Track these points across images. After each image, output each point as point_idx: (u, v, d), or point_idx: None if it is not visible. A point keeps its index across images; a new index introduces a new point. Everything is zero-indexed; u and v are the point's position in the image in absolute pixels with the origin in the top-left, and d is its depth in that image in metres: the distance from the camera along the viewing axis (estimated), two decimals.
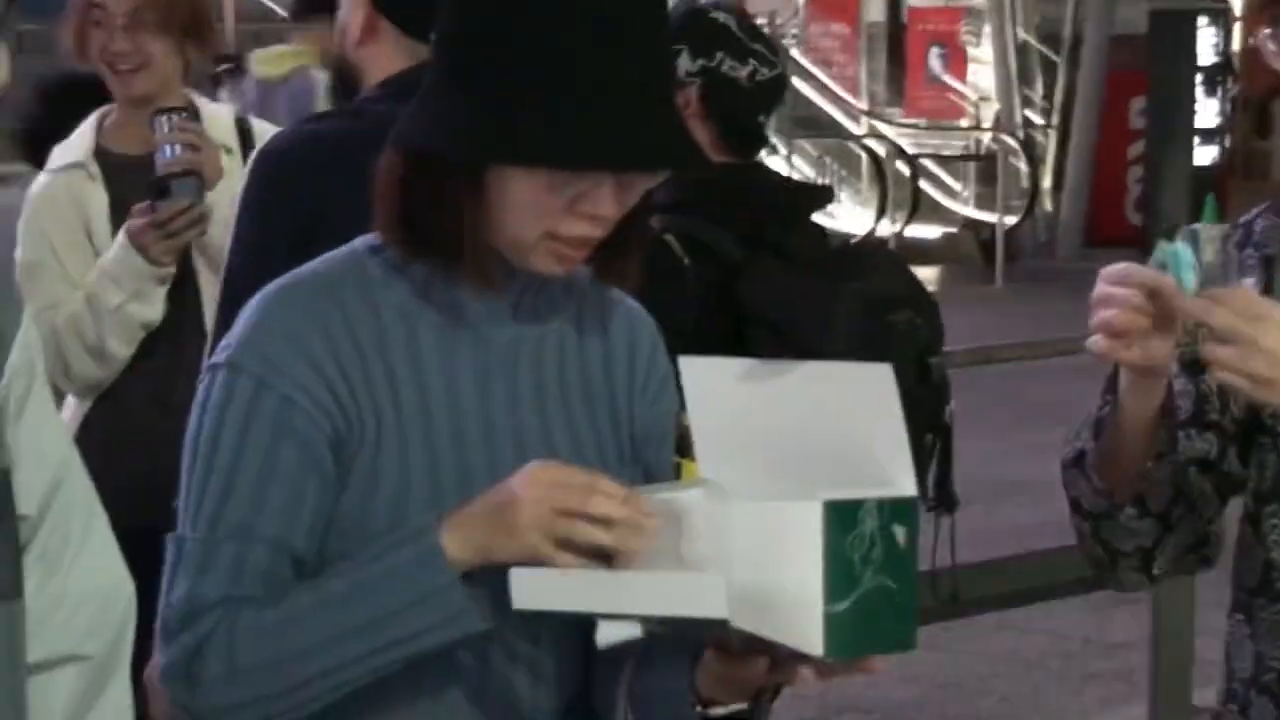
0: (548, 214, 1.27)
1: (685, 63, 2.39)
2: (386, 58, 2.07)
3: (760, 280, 2.31)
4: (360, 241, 1.36)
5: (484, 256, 1.30)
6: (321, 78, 5.68)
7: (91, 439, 2.28)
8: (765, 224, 2.44)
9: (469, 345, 1.35)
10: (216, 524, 1.31)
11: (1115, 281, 1.33)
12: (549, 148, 1.26)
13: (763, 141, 2.57)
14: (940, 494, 2.64)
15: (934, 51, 13.19)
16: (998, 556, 4.01)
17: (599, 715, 1.42)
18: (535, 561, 1.23)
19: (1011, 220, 12.07)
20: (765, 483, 1.28)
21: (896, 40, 13.66)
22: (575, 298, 1.41)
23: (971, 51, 13.07)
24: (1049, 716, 4.68)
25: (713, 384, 1.33)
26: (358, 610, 1.27)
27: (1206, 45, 11.99)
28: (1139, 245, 10.72)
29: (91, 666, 1.25)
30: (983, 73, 12.94)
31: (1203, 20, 11.92)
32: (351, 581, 1.27)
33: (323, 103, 5.26)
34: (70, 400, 2.64)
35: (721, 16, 2.55)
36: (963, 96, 13.13)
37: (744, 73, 2.44)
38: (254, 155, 2.28)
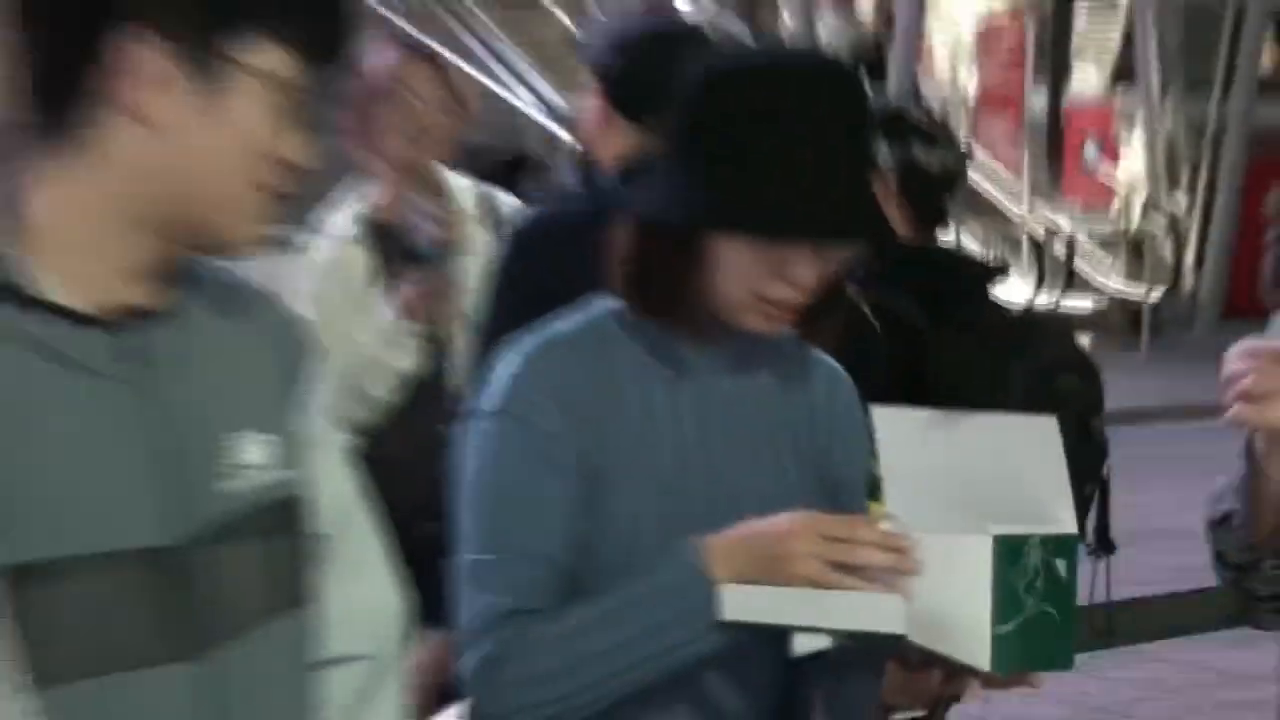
0: (756, 278, 1.38)
1: (884, 154, 2.57)
2: (617, 142, 2.25)
3: (943, 349, 2.46)
4: (598, 303, 1.48)
5: (703, 316, 1.41)
6: None
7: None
8: (949, 296, 2.61)
9: (691, 396, 1.47)
10: (502, 546, 1.43)
11: (1247, 356, 1.39)
12: (757, 218, 1.38)
13: (946, 222, 2.76)
14: (1099, 539, 2.82)
15: (1089, 143, 14.14)
16: (1147, 595, 4.18)
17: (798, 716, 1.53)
18: None
19: (1157, 295, 12.95)
20: (944, 518, 1.37)
21: (1056, 132, 14.52)
22: (783, 355, 1.51)
23: (1124, 143, 13.90)
24: None
25: (901, 432, 1.42)
26: (631, 625, 1.39)
27: None
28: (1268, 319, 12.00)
29: (372, 665, 1.34)
30: (1134, 161, 13.76)
31: None
32: (624, 599, 1.39)
33: None
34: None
35: (915, 115, 2.86)
36: (1114, 183, 13.99)
37: (934, 162, 2.68)
38: (510, 231, 2.47)
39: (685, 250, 1.40)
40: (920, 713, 1.59)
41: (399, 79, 2.88)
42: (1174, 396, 8.93)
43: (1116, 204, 14.05)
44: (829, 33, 13.93)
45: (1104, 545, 2.77)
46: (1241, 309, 12.56)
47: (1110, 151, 14.20)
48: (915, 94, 13.33)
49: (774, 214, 1.40)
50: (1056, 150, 14.63)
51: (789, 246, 1.37)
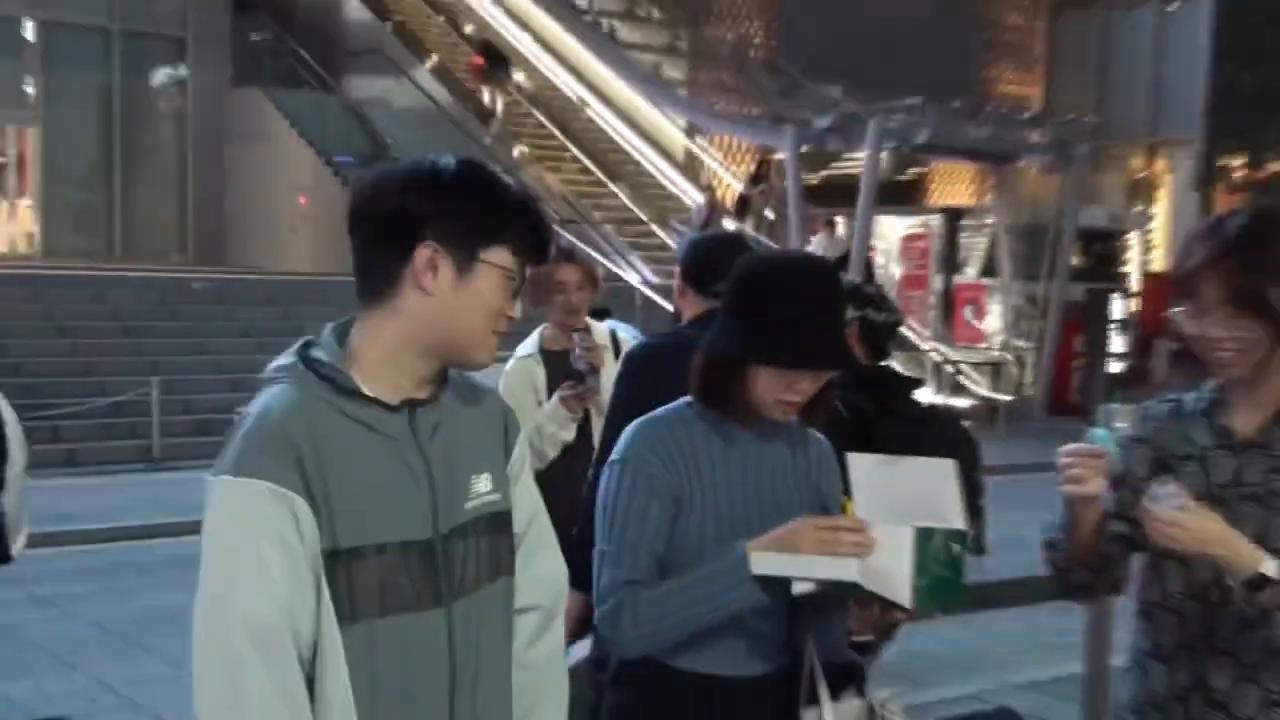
0: (778, 389, 2.03)
1: (851, 311, 3.33)
2: (691, 306, 3.00)
3: (885, 428, 3.07)
4: (681, 400, 2.12)
5: (746, 409, 2.05)
6: None
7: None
8: (888, 397, 3.42)
9: (739, 456, 2.09)
10: (621, 541, 2.02)
11: (1069, 454, 1.93)
12: (777, 355, 2.01)
13: (887, 354, 3.56)
14: (977, 544, 3.52)
15: (968, 308, 17.54)
16: (1005, 578, 4.44)
17: (798, 644, 2.08)
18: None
19: (1008, 398, 16.03)
20: (887, 518, 1.94)
21: (949, 302, 17.83)
22: (793, 432, 2.13)
23: (990, 307, 17.20)
24: (1001, 665, 5.99)
25: (864, 468, 2.02)
26: (700, 588, 1.98)
27: (1117, 307, 17.35)
28: (1076, 414, 14.11)
29: (543, 613, 1.85)
30: (995, 319, 17.04)
31: (1116, 295, 17.55)
32: (697, 576, 1.99)
33: None
34: None
35: (870, 288, 3.76)
36: (983, 332, 17.24)
37: (880, 319, 3.54)
38: (625, 353, 3.34)
39: (733, 371, 2.03)
40: (870, 637, 2.15)
41: (556, 274, 3.88)
42: (1018, 459, 10.29)
43: (984, 344, 17.10)
44: (819, 245, 16.15)
45: (980, 549, 3.44)
46: (1059, 409, 16.00)
47: (980, 314, 17.37)
48: (870, 278, 14.86)
49: (787, 353, 2.01)
50: (949, 313, 17.76)
51: (797, 372, 2.01)
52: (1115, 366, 17.08)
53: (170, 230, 17.96)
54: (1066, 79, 23.40)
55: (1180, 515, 1.88)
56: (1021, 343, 16.77)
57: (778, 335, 2.01)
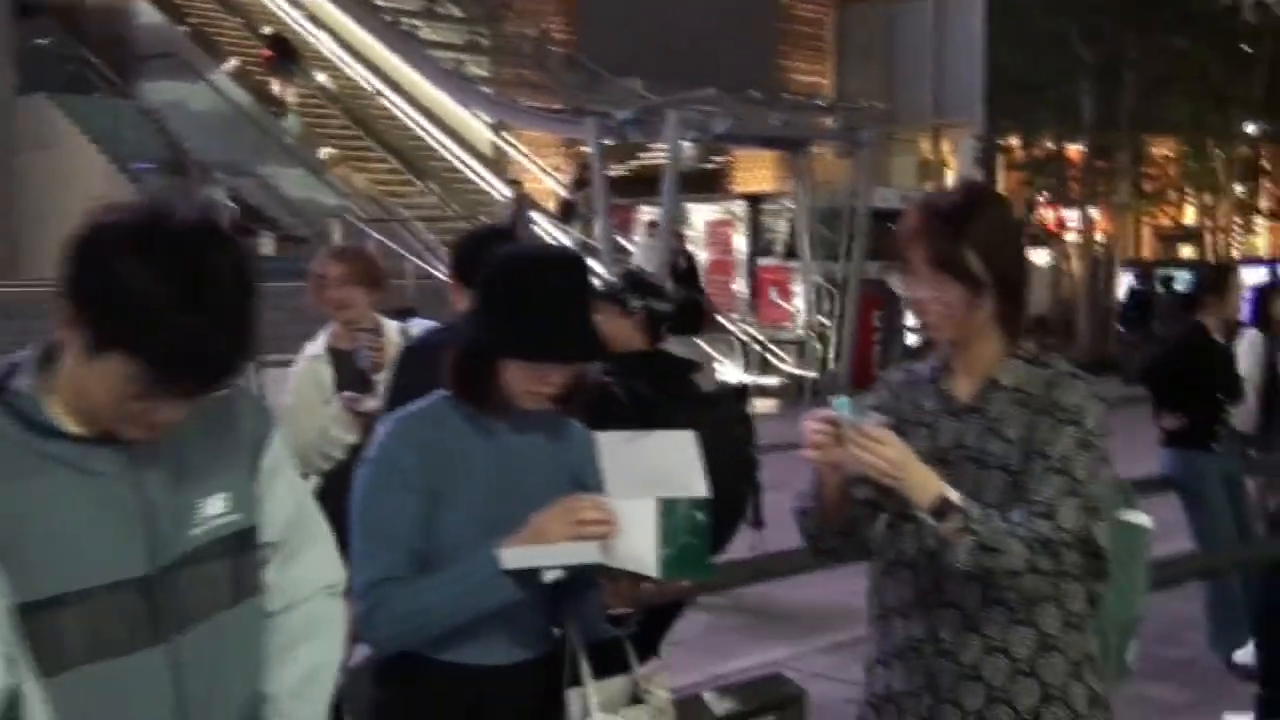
0: (529, 381, 2.06)
1: (635, 300, 3.61)
2: (462, 300, 3.03)
3: (665, 411, 3.11)
4: (437, 394, 2.13)
5: (498, 400, 2.07)
6: None
7: (325, 496, 2.91)
8: (667, 379, 3.49)
9: (495, 448, 2.11)
10: (375, 540, 2.04)
11: (816, 420, 1.99)
12: (525, 349, 2.03)
13: (664, 338, 3.67)
14: (755, 517, 4.25)
15: (773, 289, 18.03)
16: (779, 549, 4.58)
17: (560, 624, 2.14)
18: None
19: (813, 374, 16.27)
20: (634, 491, 1.99)
21: (757, 281, 18.40)
22: (550, 421, 2.16)
23: (794, 288, 17.50)
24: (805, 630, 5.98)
25: (610, 446, 2.09)
26: (453, 589, 1.99)
27: None
28: None
29: (306, 609, 1.78)
30: (799, 299, 17.28)
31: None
32: (450, 575, 2.00)
33: None
34: (313, 479, 3.67)
35: (651, 277, 4.03)
36: (788, 311, 17.59)
37: (663, 308, 3.69)
38: (401, 348, 3.48)
39: (485, 364, 2.06)
40: (628, 610, 2.13)
41: (319, 269, 4.03)
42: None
43: (790, 323, 17.52)
44: (643, 245, 16.58)
45: (758, 522, 3.90)
46: (862, 382, 14.08)
47: (785, 294, 17.81)
48: (689, 265, 16.70)
49: (533, 346, 2.04)
50: (756, 294, 18.40)
51: (544, 364, 2.04)
52: (911, 339, 17.15)
53: None
54: (855, 67, 24.42)
55: (884, 433, 1.98)
56: (824, 320, 17.09)
57: (524, 328, 2.04)
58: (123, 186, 17.23)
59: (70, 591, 1.55)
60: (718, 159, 22.06)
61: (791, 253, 17.77)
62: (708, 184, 20.52)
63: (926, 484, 2.01)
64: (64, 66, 18.40)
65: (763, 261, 18.54)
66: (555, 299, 2.07)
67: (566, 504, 2.01)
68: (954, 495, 2.01)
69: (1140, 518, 2.32)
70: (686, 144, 15.76)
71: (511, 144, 20.26)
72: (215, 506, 1.66)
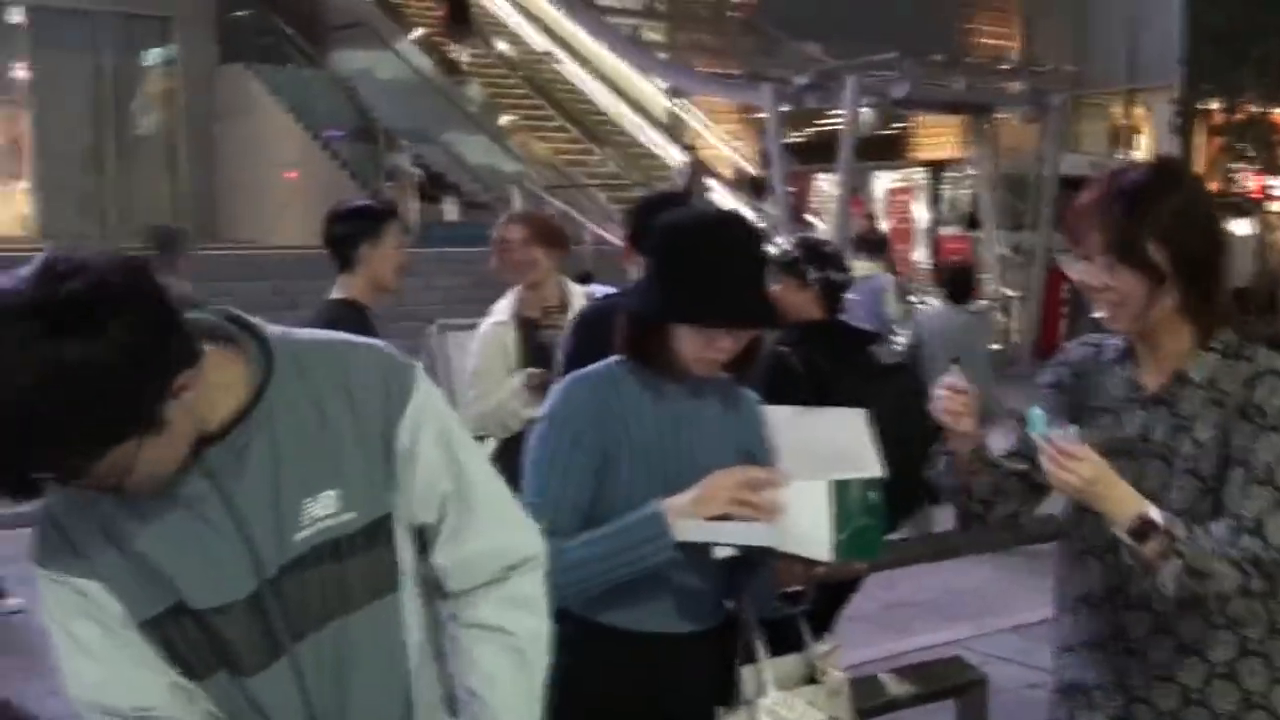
0: (698, 347, 2.07)
1: (813, 271, 3.65)
2: (637, 266, 3.05)
3: (840, 382, 3.09)
4: (613, 357, 2.15)
5: (672, 365, 2.09)
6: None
7: (502, 457, 3.33)
8: (846, 350, 3.56)
9: (667, 413, 2.12)
10: (544, 494, 2.05)
11: (943, 386, 2.03)
12: (697, 314, 2.04)
13: (843, 309, 3.76)
14: (931, 493, 2.98)
15: (952, 259, 16.01)
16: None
17: (734, 598, 2.13)
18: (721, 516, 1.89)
19: (998, 346, 14.52)
20: (809, 469, 1.95)
21: (938, 251, 17.65)
22: (723, 388, 2.19)
23: (975, 258, 16.26)
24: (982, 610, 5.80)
25: (780, 421, 2.11)
26: (614, 543, 2.00)
27: None
28: None
29: (488, 588, 1.69)
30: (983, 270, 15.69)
31: None
32: (614, 529, 2.02)
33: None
34: (491, 441, 3.85)
35: (829, 248, 3.95)
36: None
37: (840, 278, 3.75)
38: (575, 314, 3.56)
39: (656, 329, 2.08)
40: (799, 587, 2.16)
41: (501, 233, 4.16)
42: (1008, 404, 9.45)
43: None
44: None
45: (934, 498, 3.00)
46: (1045, 353, 13.58)
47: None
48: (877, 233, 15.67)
49: (702, 311, 2.04)
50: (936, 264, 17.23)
51: (716, 330, 2.03)
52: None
53: (163, 209, 18.07)
54: (1043, 29, 23.45)
55: (1080, 449, 1.89)
56: (1009, 291, 16.69)
57: (694, 293, 2.04)
58: (315, 153, 17.85)
59: (171, 611, 1.54)
60: (899, 125, 21.44)
61: (974, 222, 17.47)
62: (888, 151, 19.99)
63: (1125, 502, 1.90)
64: (261, 38, 19.10)
65: (944, 230, 18.21)
66: (724, 262, 2.06)
67: (737, 472, 2.00)
68: (1157, 514, 1.90)
69: None
70: (865, 110, 15.40)
71: (687, 110, 20.21)
72: (325, 506, 1.56)
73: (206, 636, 1.53)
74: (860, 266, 7.37)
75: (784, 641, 2.16)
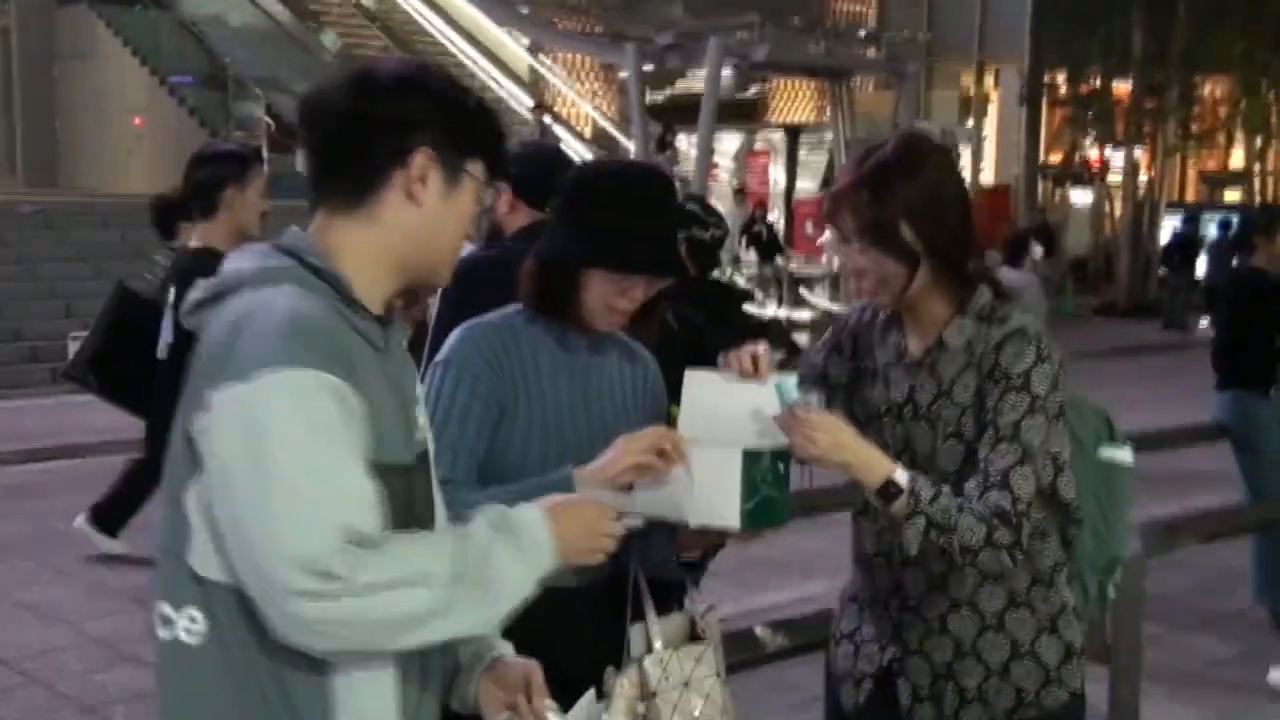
0: (609, 295, 2.02)
1: (684, 230, 3.56)
2: (520, 219, 3.13)
3: (716, 340, 2.67)
4: (511, 307, 2.10)
5: (575, 316, 2.04)
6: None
7: None
8: (721, 308, 3.61)
9: (568, 367, 2.09)
10: (442, 439, 1.93)
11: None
12: (611, 259, 2.00)
13: (716, 267, 3.83)
14: None
15: (808, 222, 18.12)
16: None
17: (621, 559, 1.90)
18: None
19: (841, 308, 14.06)
20: (717, 434, 1.93)
21: (790, 216, 18.91)
22: (624, 349, 2.16)
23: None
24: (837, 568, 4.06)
25: (698, 384, 2.02)
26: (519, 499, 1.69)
27: None
28: None
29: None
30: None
31: None
32: (521, 488, 1.86)
33: None
34: None
35: (690, 205, 3.87)
36: (821, 245, 14.92)
37: (706, 235, 3.78)
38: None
39: (567, 275, 2.02)
40: (696, 557, 2.20)
41: None
42: None
43: (823, 257, 17.01)
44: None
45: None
46: None
47: (819, 228, 15.59)
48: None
49: (624, 255, 2.01)
50: (789, 227, 18.62)
51: (629, 278, 2.00)
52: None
53: None
54: None
55: (819, 417, 1.92)
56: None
57: (615, 238, 2.02)
58: (163, 99, 17.27)
59: (387, 463, 1.50)
60: (757, 89, 21.80)
61: (828, 185, 17.92)
62: (745, 113, 20.47)
63: (871, 466, 1.95)
64: None
65: (799, 194, 18.72)
66: (646, 211, 2.04)
67: (648, 434, 1.94)
68: (901, 476, 1.95)
69: (1122, 455, 2.24)
70: (726, 72, 15.69)
71: (549, 68, 20.15)
72: (421, 417, 1.66)
73: (394, 499, 1.49)
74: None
75: (664, 599, 2.14)
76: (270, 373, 1.40)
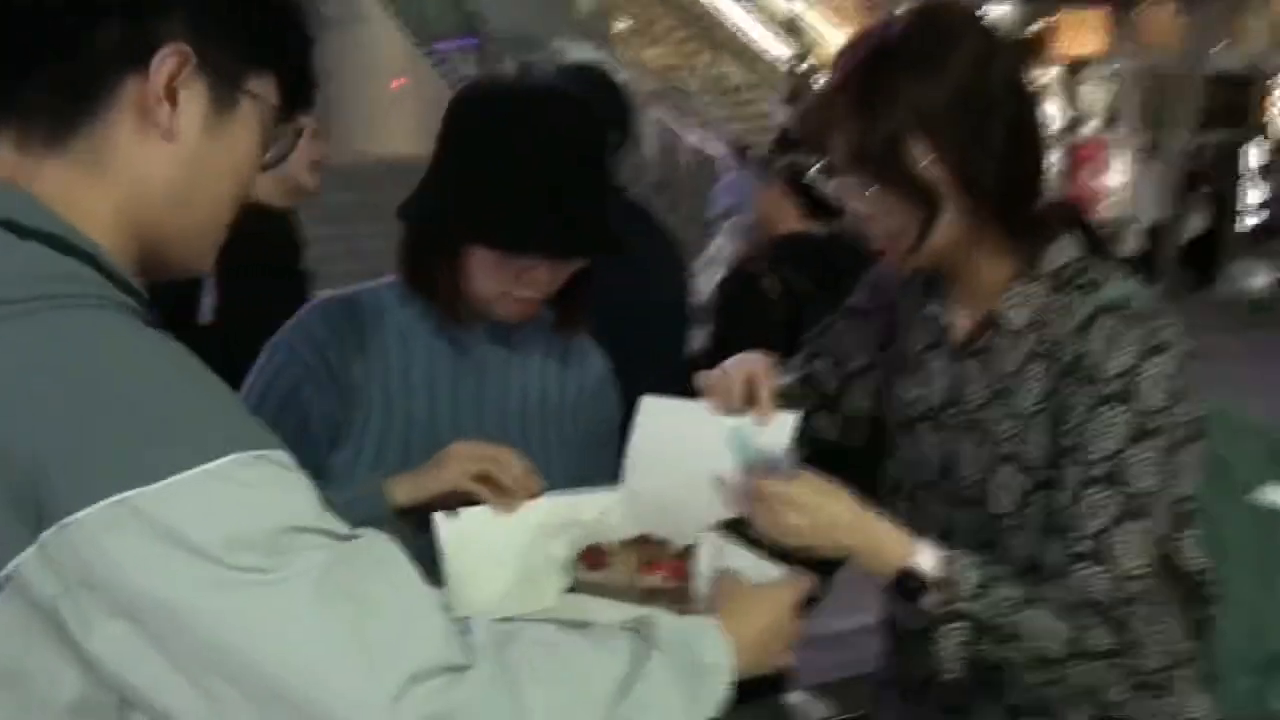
0: (502, 279, 1.48)
1: (778, 158, 2.76)
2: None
3: (822, 312, 2.17)
4: (386, 279, 1.59)
5: (456, 299, 1.51)
6: None
7: None
8: (836, 272, 2.48)
9: (449, 359, 1.56)
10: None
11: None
12: (494, 234, 1.44)
13: (832, 213, 2.69)
14: None
15: (1087, 167, 16.78)
16: None
17: None
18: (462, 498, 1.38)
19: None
20: (674, 495, 1.40)
21: (1070, 159, 17.20)
22: (548, 339, 1.61)
23: (1110, 163, 16.75)
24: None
25: (651, 420, 1.46)
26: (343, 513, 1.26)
27: (1254, 156, 17.35)
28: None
29: None
30: (1116, 175, 16.51)
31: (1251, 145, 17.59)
32: (351, 492, 1.37)
33: None
34: None
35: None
36: (1102, 190, 16.46)
37: (812, 162, 2.33)
38: None
39: (444, 247, 1.48)
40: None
41: None
42: None
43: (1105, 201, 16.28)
44: None
45: None
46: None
47: (1100, 172, 16.79)
48: None
49: (508, 232, 1.43)
50: (1071, 171, 17.03)
51: (523, 258, 1.44)
52: (1252, 220, 16.40)
53: None
54: None
55: (797, 491, 1.34)
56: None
57: (494, 205, 1.45)
58: (424, 69, 17.53)
59: None
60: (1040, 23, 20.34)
61: (1110, 123, 17.08)
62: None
63: (877, 549, 1.34)
64: None
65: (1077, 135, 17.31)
66: (548, 163, 1.45)
67: (488, 450, 1.44)
68: (925, 561, 1.34)
69: None
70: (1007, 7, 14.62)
71: (807, 12, 19.38)
72: None
73: None
74: None
75: None
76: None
